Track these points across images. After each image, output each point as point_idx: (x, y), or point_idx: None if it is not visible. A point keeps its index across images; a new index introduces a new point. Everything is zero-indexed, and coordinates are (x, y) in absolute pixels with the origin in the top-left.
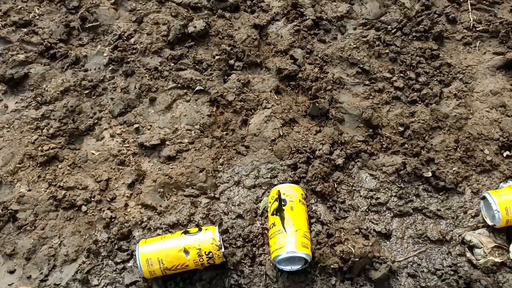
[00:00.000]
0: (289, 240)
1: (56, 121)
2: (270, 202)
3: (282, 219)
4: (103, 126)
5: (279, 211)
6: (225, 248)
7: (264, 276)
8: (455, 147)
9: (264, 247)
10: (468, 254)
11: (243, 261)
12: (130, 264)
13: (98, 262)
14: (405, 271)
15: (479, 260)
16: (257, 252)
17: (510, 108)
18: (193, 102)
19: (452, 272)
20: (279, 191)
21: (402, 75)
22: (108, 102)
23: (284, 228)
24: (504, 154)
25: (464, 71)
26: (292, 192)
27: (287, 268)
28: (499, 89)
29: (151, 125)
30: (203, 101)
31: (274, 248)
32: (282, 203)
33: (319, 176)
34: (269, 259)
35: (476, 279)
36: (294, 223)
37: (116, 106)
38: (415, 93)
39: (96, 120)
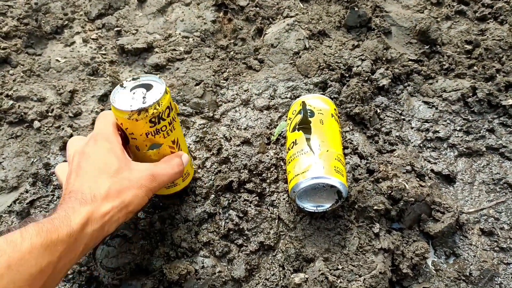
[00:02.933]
0: (316, 162)
1: (14, 19)
2: (290, 118)
3: (308, 134)
4: (75, 30)
5: (303, 124)
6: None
7: (276, 220)
8: None
9: (277, 184)
10: None
11: (247, 199)
12: None
13: (47, 192)
14: (477, 226)
15: None
16: (267, 189)
17: None
18: (194, 6)
19: None
20: (303, 102)
21: None
22: (84, 2)
23: (310, 147)
24: None
25: None
26: (321, 104)
27: (311, 207)
28: None
29: (137, 30)
30: (207, 5)
31: (293, 174)
32: (309, 114)
33: (357, 97)
34: (284, 199)
35: None
36: (324, 140)
37: (94, 7)
38: (485, 8)
39: (66, 22)
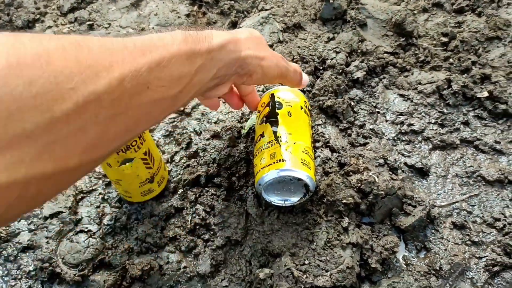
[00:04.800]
0: (283, 155)
1: None
2: (259, 111)
3: (275, 127)
4: (47, 24)
5: (271, 116)
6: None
7: (243, 215)
8: None
9: (247, 178)
10: None
11: (214, 193)
12: None
13: None
14: (449, 220)
15: None
16: (236, 183)
17: None
18: (168, 0)
19: None
20: (272, 94)
21: None
22: None
23: (277, 139)
24: None
25: None
26: (291, 96)
27: (278, 201)
28: None
29: (109, 24)
30: None
31: (259, 167)
32: (277, 105)
33: (330, 90)
34: (252, 193)
35: None
36: (291, 132)
37: (67, 1)
38: (462, 1)
39: (38, 16)
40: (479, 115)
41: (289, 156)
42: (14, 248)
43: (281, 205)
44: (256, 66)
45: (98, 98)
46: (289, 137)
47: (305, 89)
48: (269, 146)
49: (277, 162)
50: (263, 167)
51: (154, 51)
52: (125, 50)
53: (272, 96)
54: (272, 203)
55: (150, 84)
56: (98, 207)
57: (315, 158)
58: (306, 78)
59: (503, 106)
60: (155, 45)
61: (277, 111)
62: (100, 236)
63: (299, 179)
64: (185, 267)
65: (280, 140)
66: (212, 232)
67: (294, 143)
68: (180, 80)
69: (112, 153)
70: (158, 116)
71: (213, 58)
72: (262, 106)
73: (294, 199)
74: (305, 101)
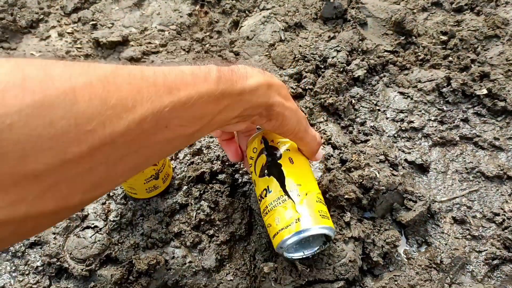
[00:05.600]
0: (300, 211)
1: None
2: (252, 158)
3: (281, 180)
4: (50, 24)
5: (272, 167)
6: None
7: (247, 211)
8: None
9: (250, 175)
10: None
11: (218, 189)
12: None
13: None
14: (450, 215)
15: None
16: (240, 179)
17: None
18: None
19: None
20: (263, 137)
21: None
22: None
23: (288, 195)
24: None
25: None
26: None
27: (298, 255)
28: None
29: (113, 23)
30: None
31: (276, 229)
32: (274, 152)
33: (332, 88)
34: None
35: None
36: (300, 183)
37: (70, 1)
38: (461, 0)
39: (42, 16)
40: (478, 112)
41: (306, 212)
42: (22, 244)
43: (301, 257)
44: (279, 114)
45: (113, 141)
46: (299, 189)
47: (306, 87)
48: (280, 203)
49: (296, 222)
50: (281, 229)
51: (182, 89)
52: (152, 88)
53: (265, 140)
54: (293, 258)
55: (169, 124)
56: (103, 203)
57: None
58: (321, 153)
59: (502, 103)
60: (185, 83)
61: (278, 161)
62: (107, 232)
63: (317, 235)
64: (190, 262)
65: (292, 195)
66: (216, 228)
67: (306, 194)
68: (201, 119)
69: (116, 187)
70: (169, 152)
71: (242, 100)
72: (254, 152)
73: (314, 248)
74: None
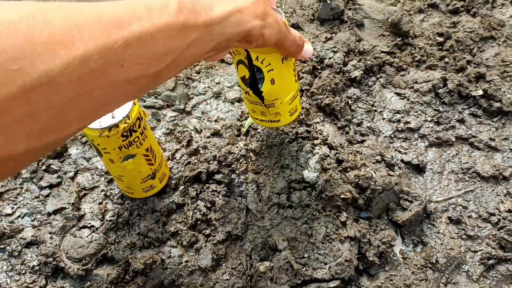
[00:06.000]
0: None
1: None
2: (235, 53)
3: (260, 97)
4: None
5: (252, 86)
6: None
7: (244, 211)
8: None
9: (247, 175)
10: None
11: (215, 189)
12: (57, 188)
13: (15, 185)
14: (445, 215)
15: None
16: (236, 179)
17: None
18: None
19: None
20: (247, 52)
21: None
22: None
23: (264, 106)
24: None
25: None
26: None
27: None
28: None
29: None
30: None
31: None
32: (258, 74)
33: (328, 88)
34: (252, 189)
35: None
36: (277, 97)
37: None
38: (457, 2)
39: None
40: (474, 113)
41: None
42: (18, 243)
43: None
44: (258, 36)
45: (52, 80)
46: (275, 103)
47: (303, 88)
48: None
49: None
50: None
51: (135, 23)
52: (97, 23)
53: (249, 57)
54: None
55: (125, 62)
56: (100, 203)
57: (314, 155)
58: (308, 49)
59: (497, 104)
60: (137, 16)
61: (261, 90)
62: (103, 231)
63: None
64: (186, 261)
65: (268, 106)
66: (213, 227)
67: (281, 103)
68: (165, 56)
69: (77, 133)
70: (134, 95)
71: (212, 32)
72: (236, 54)
73: None
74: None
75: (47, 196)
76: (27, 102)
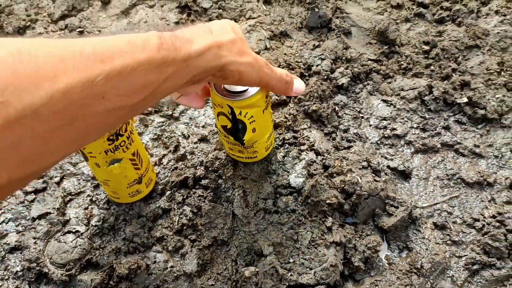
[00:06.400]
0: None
1: None
2: (215, 107)
3: (241, 143)
4: (37, 31)
5: (234, 134)
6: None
7: (230, 216)
8: (498, 70)
9: (233, 180)
10: None
11: (201, 195)
12: (42, 194)
13: None
14: (431, 220)
15: None
16: (223, 185)
17: None
18: (157, 8)
19: (497, 224)
20: (231, 107)
21: None
22: (48, 3)
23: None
24: None
25: None
26: (252, 101)
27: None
28: None
29: (99, 31)
30: (171, 7)
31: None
32: (240, 129)
33: (315, 95)
34: (239, 195)
35: None
36: (257, 139)
37: (57, 8)
38: (443, 11)
39: (29, 23)
40: (459, 120)
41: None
42: (2, 249)
43: None
44: (234, 71)
45: (35, 112)
46: (255, 144)
47: (290, 96)
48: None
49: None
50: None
51: (117, 58)
52: (80, 57)
53: (232, 112)
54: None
55: (106, 94)
56: (86, 208)
57: (300, 160)
58: (299, 86)
59: (482, 111)
60: (120, 51)
61: (242, 138)
62: (88, 236)
63: None
64: (172, 267)
65: (247, 147)
66: (199, 233)
67: (259, 143)
68: (144, 89)
69: (59, 162)
70: (113, 125)
71: (189, 66)
72: (218, 106)
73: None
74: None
75: (32, 201)
76: (11, 132)
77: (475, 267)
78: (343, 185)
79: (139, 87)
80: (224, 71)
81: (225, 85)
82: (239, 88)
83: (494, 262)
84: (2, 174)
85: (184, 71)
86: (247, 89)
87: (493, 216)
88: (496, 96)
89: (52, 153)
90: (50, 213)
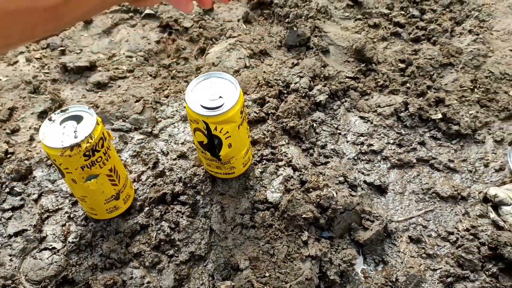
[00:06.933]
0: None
1: None
2: (191, 122)
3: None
4: (19, 49)
5: (211, 150)
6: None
7: (207, 231)
8: (471, 87)
9: (211, 196)
10: (493, 215)
11: (179, 210)
12: (19, 211)
13: None
14: (406, 234)
15: (507, 220)
16: (201, 200)
17: None
18: (139, 27)
19: (470, 237)
20: (206, 123)
21: (403, 12)
22: None
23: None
24: None
25: (480, 9)
26: (226, 117)
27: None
28: None
29: (81, 49)
30: (152, 26)
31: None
32: (217, 147)
33: (293, 112)
34: (216, 210)
35: (506, 242)
36: (234, 155)
37: None
38: (419, 31)
39: None
40: (434, 135)
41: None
42: None
43: None
44: None
45: None
46: (231, 160)
47: (269, 112)
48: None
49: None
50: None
51: None
52: None
53: (208, 128)
54: None
55: None
56: (63, 225)
57: (278, 176)
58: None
59: (456, 127)
60: None
61: (219, 154)
62: (64, 253)
63: None
64: (148, 282)
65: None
66: (176, 248)
67: (236, 159)
68: None
69: None
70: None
71: None
72: (193, 122)
73: None
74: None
75: (9, 218)
76: None
77: (449, 279)
78: (319, 200)
79: None
80: None
81: (200, 101)
82: (214, 104)
83: (468, 275)
84: None
85: None
86: (222, 104)
87: (467, 229)
88: (470, 112)
89: None
90: (26, 230)
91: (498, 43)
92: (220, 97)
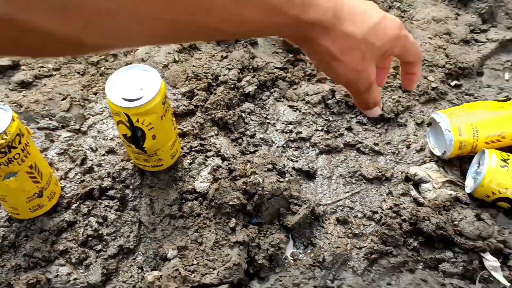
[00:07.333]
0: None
1: None
2: (113, 115)
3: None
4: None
5: (135, 142)
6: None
7: (136, 224)
8: (394, 74)
9: (141, 189)
10: (413, 193)
11: (108, 205)
12: None
13: None
14: (334, 216)
15: (426, 196)
16: (130, 194)
17: (455, 35)
18: None
19: (393, 215)
20: (127, 114)
21: None
22: None
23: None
24: (452, 83)
25: (401, 0)
26: (147, 108)
27: None
28: (442, 17)
29: None
30: None
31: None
32: (140, 139)
33: (222, 103)
34: (145, 203)
35: (425, 217)
36: (160, 147)
37: None
38: None
39: None
40: (360, 121)
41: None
42: None
43: None
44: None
45: None
46: (158, 151)
47: (198, 104)
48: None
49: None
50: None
51: None
52: None
53: (129, 120)
54: None
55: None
56: None
57: (206, 166)
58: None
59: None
60: None
61: (143, 146)
62: None
63: None
64: (75, 279)
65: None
66: (104, 243)
67: (163, 151)
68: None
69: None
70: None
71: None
72: (115, 115)
73: None
74: (163, 96)
75: None
76: None
77: (373, 256)
78: (245, 187)
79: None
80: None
81: (121, 94)
82: (135, 96)
83: (391, 250)
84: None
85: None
86: (143, 96)
87: (390, 208)
88: (392, 97)
89: None
90: None
91: (418, 32)
92: (141, 88)
